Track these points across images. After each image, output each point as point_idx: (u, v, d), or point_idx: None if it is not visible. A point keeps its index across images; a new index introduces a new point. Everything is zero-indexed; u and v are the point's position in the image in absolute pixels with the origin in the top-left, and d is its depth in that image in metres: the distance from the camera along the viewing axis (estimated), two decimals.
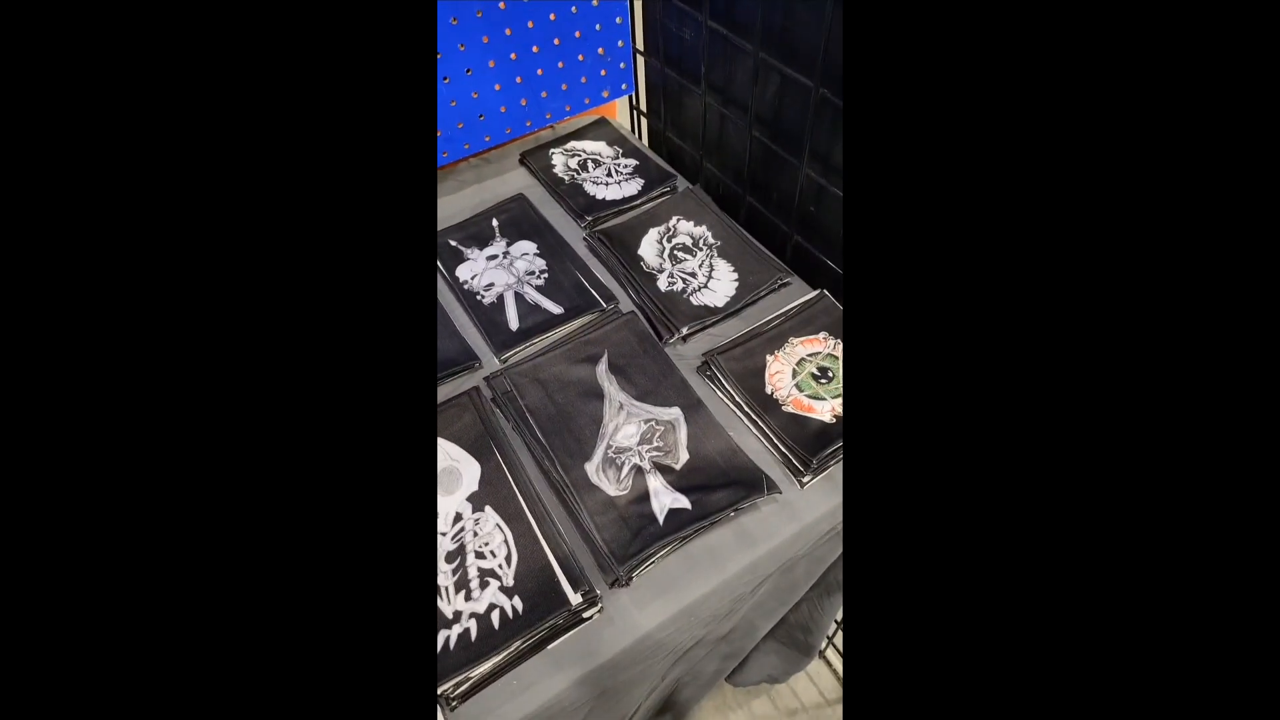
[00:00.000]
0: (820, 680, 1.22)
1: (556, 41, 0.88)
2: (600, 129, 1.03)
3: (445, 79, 0.83)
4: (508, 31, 0.84)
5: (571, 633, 0.56)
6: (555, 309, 0.80)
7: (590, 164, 0.98)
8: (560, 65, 0.91)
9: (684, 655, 0.65)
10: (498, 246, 0.87)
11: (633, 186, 0.93)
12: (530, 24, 0.85)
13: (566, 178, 0.96)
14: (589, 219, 0.89)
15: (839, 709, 1.19)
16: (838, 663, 1.21)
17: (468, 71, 0.84)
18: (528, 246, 0.87)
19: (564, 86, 0.93)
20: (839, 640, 1.18)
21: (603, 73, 0.95)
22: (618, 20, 0.91)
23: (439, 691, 0.52)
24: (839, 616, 1.10)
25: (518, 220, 0.90)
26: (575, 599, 0.55)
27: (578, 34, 0.89)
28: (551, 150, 0.99)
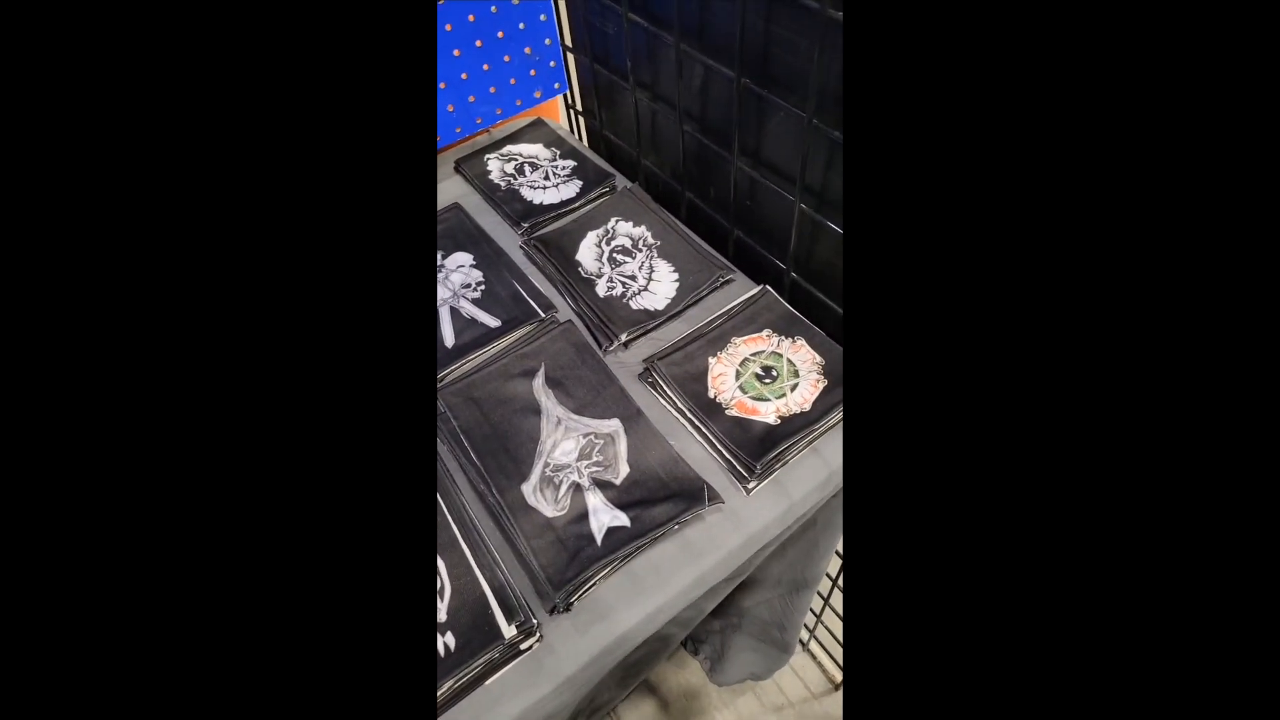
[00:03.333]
0: (805, 674, 1.21)
1: (479, 44, 0.85)
2: (537, 130, 1.00)
3: None
4: None
5: (509, 666, 0.53)
6: (492, 322, 0.77)
7: (527, 167, 0.94)
8: (485, 68, 0.87)
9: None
10: None
11: (571, 189, 0.90)
12: (449, 27, 0.82)
13: (503, 183, 0.92)
14: (526, 225, 0.86)
15: (826, 702, 1.18)
16: (823, 656, 1.20)
17: None
18: (463, 258, 0.84)
19: (492, 89, 0.90)
20: (820, 634, 1.17)
21: (532, 72, 0.92)
22: (541, 17, 0.88)
23: None
24: (816, 608, 1.09)
25: (454, 231, 0.87)
26: (509, 631, 0.53)
27: (500, 34, 0.86)
28: (487, 155, 0.96)
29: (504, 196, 0.90)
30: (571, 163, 0.94)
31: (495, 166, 0.95)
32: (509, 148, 0.98)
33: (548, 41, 0.90)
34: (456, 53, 0.84)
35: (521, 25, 0.87)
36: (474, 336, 0.75)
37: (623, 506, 0.60)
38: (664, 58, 0.76)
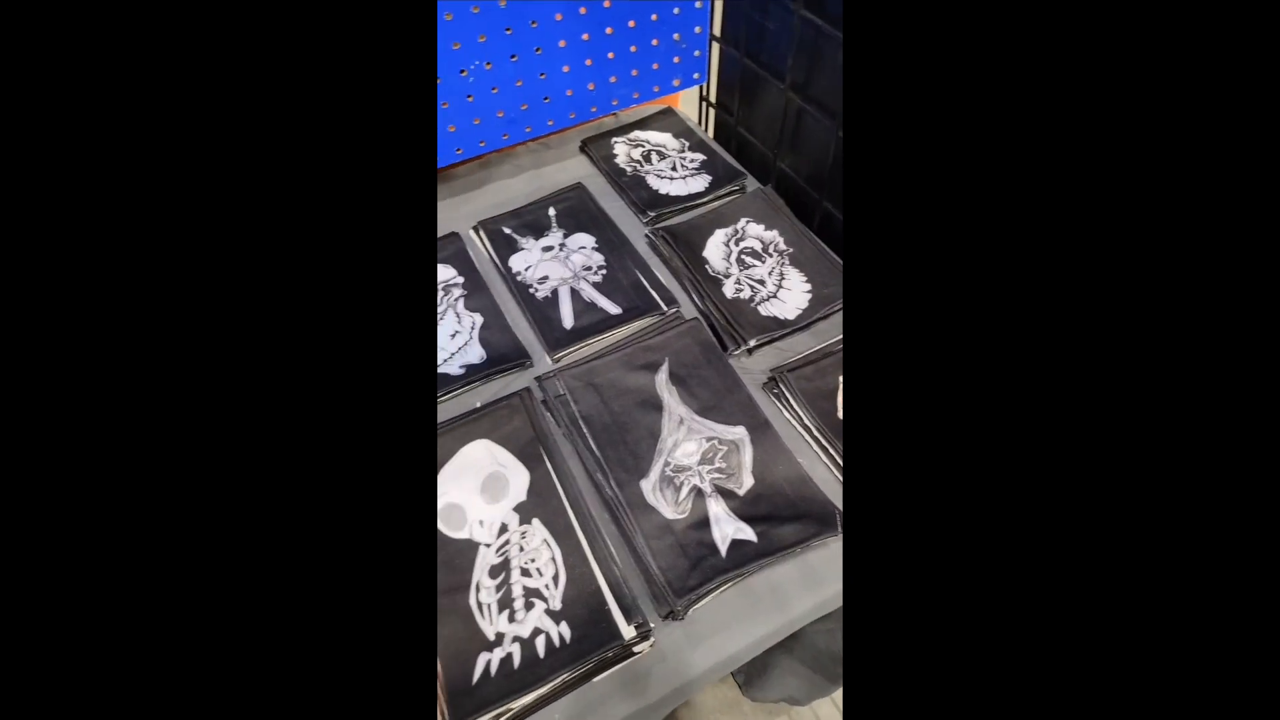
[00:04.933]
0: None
1: (632, 24, 0.83)
2: (666, 119, 0.98)
3: (514, 57, 0.79)
4: (582, 10, 0.79)
5: (619, 666, 0.51)
6: (613, 309, 0.75)
7: (654, 156, 0.93)
8: (633, 49, 0.85)
9: None
10: (554, 237, 0.83)
11: (699, 183, 0.88)
12: (607, 3, 0.80)
13: (629, 169, 0.91)
14: (651, 214, 0.84)
15: None
16: None
17: (537, 50, 0.79)
18: (585, 239, 0.83)
19: (634, 72, 0.88)
20: None
21: (676, 60, 0.90)
22: (697, 4, 0.85)
23: None
24: None
25: (576, 211, 0.86)
26: (629, 632, 0.51)
27: (654, 17, 0.84)
28: (614, 139, 0.95)
29: (629, 182, 0.88)
30: (701, 156, 0.92)
31: (622, 151, 0.93)
32: (637, 133, 0.96)
33: (697, 30, 0.88)
34: (609, 30, 0.82)
35: (676, 10, 0.84)
36: (592, 321, 0.74)
37: (747, 520, 0.57)
38: (830, 58, 0.73)
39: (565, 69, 0.83)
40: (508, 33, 0.76)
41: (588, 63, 0.84)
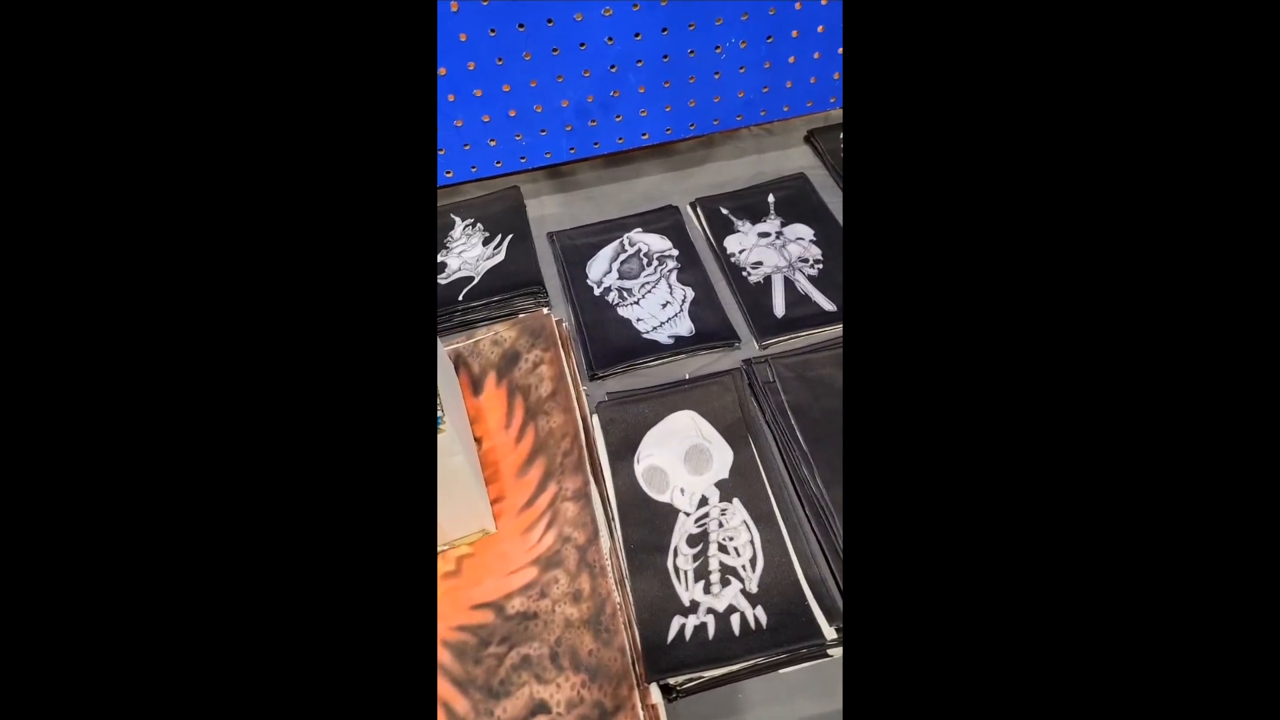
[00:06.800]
0: None
1: None
2: None
3: (769, 38, 0.78)
4: None
5: (809, 664, 0.50)
6: (827, 305, 0.73)
7: None
8: None
9: None
10: (771, 224, 0.82)
11: None
12: None
13: None
14: None
15: None
16: None
17: (794, 34, 0.78)
18: (803, 231, 0.81)
19: None
20: None
21: None
22: None
23: (671, 682, 0.49)
24: None
25: (795, 201, 0.84)
26: (830, 632, 0.50)
27: None
28: (843, 133, 0.92)
29: None
30: None
31: None
32: None
33: None
34: None
35: None
36: (804, 314, 0.72)
37: None
38: None
39: (816, 55, 0.81)
40: (771, 13, 0.76)
41: (839, 51, 0.82)
